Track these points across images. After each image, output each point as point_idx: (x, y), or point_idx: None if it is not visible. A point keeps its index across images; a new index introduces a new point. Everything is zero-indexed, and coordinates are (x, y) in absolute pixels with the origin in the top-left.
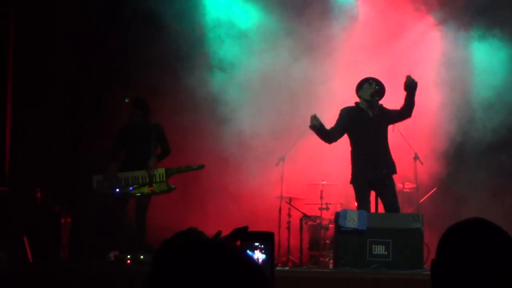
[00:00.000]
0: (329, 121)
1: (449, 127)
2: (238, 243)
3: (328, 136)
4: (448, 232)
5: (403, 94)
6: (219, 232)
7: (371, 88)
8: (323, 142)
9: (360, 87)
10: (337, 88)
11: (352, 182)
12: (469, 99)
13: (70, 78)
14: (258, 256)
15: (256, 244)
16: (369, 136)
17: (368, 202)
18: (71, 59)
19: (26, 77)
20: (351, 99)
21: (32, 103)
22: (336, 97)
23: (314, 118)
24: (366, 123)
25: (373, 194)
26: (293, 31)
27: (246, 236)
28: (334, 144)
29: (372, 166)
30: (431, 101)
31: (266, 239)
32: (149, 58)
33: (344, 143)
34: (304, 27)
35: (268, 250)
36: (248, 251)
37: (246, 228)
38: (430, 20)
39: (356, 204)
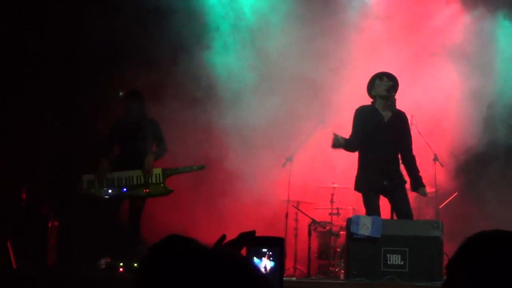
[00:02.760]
0: (343, 116)
1: (474, 125)
2: (245, 249)
3: (351, 146)
4: (467, 244)
5: (422, 89)
6: (224, 236)
7: (384, 83)
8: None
9: (371, 85)
10: (350, 84)
11: (356, 189)
12: (498, 92)
13: (58, 67)
14: (266, 263)
15: (264, 250)
16: (381, 142)
17: (378, 207)
18: (59, 48)
19: (10, 66)
20: (366, 95)
21: (17, 94)
22: (349, 93)
23: (337, 139)
24: (380, 128)
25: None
26: (306, 19)
27: (253, 241)
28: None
29: (381, 175)
30: (454, 94)
31: (275, 245)
32: (146, 48)
33: None
34: (317, 14)
35: (277, 257)
36: (255, 257)
37: (253, 232)
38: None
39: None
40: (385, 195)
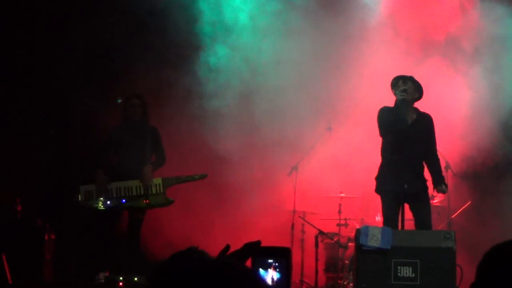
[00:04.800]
0: (351, 123)
1: (488, 128)
2: (250, 260)
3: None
4: (492, 252)
5: (433, 93)
6: (228, 247)
7: (399, 88)
8: (341, 149)
9: (392, 87)
10: (358, 89)
11: (377, 190)
12: None
13: (53, 74)
14: (272, 274)
15: (270, 261)
16: (404, 144)
17: (397, 216)
18: (54, 54)
19: (3, 74)
20: (375, 101)
21: (10, 102)
22: (357, 99)
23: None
24: (403, 128)
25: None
26: (312, 22)
27: (259, 252)
28: (354, 151)
29: (404, 177)
30: (466, 94)
31: (281, 256)
32: (142, 54)
33: (366, 151)
34: (323, 16)
35: (284, 268)
36: (260, 269)
37: (258, 243)
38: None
39: (377, 217)
40: (406, 201)
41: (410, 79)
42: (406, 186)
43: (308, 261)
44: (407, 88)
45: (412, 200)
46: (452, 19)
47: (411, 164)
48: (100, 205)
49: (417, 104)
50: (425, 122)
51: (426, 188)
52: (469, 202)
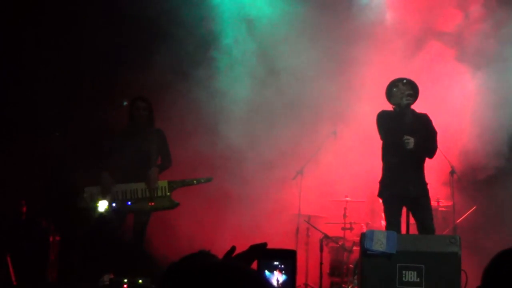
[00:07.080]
0: (356, 127)
1: (495, 132)
2: (255, 262)
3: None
4: (498, 258)
5: (438, 97)
6: (233, 248)
7: (400, 91)
8: (346, 153)
9: (389, 94)
10: (363, 93)
11: (380, 195)
12: None
13: (59, 75)
14: (278, 276)
15: (276, 263)
16: (405, 148)
17: (399, 220)
18: (60, 55)
19: (8, 73)
20: (379, 104)
21: (15, 103)
22: (362, 102)
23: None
24: (404, 132)
25: (403, 212)
26: (316, 29)
27: (265, 254)
28: (359, 155)
29: (406, 180)
30: (473, 101)
31: (287, 258)
32: (150, 56)
33: (371, 155)
34: (327, 24)
35: (289, 270)
36: (266, 271)
37: (264, 245)
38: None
39: (383, 222)
40: (408, 205)
41: (411, 81)
42: (410, 188)
43: (312, 265)
44: (413, 92)
45: (413, 205)
46: (457, 19)
47: (412, 167)
48: (105, 207)
49: (419, 108)
50: (423, 123)
51: (427, 192)
52: (474, 207)
